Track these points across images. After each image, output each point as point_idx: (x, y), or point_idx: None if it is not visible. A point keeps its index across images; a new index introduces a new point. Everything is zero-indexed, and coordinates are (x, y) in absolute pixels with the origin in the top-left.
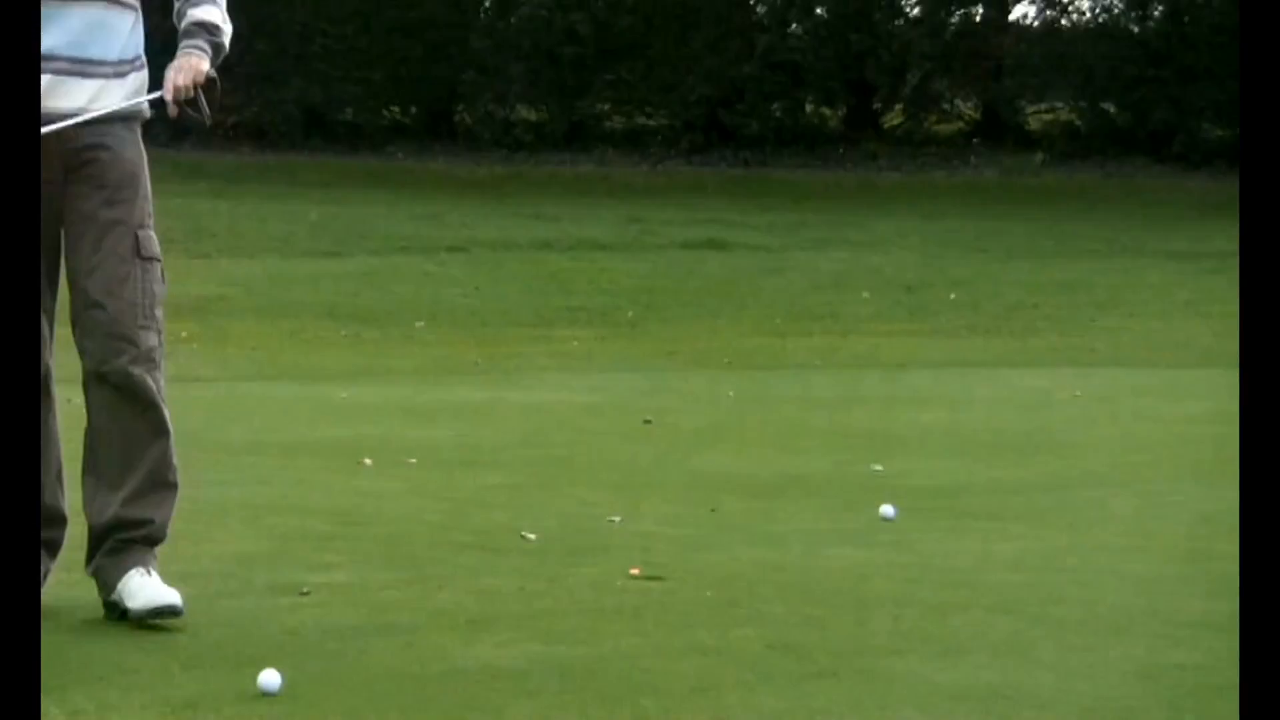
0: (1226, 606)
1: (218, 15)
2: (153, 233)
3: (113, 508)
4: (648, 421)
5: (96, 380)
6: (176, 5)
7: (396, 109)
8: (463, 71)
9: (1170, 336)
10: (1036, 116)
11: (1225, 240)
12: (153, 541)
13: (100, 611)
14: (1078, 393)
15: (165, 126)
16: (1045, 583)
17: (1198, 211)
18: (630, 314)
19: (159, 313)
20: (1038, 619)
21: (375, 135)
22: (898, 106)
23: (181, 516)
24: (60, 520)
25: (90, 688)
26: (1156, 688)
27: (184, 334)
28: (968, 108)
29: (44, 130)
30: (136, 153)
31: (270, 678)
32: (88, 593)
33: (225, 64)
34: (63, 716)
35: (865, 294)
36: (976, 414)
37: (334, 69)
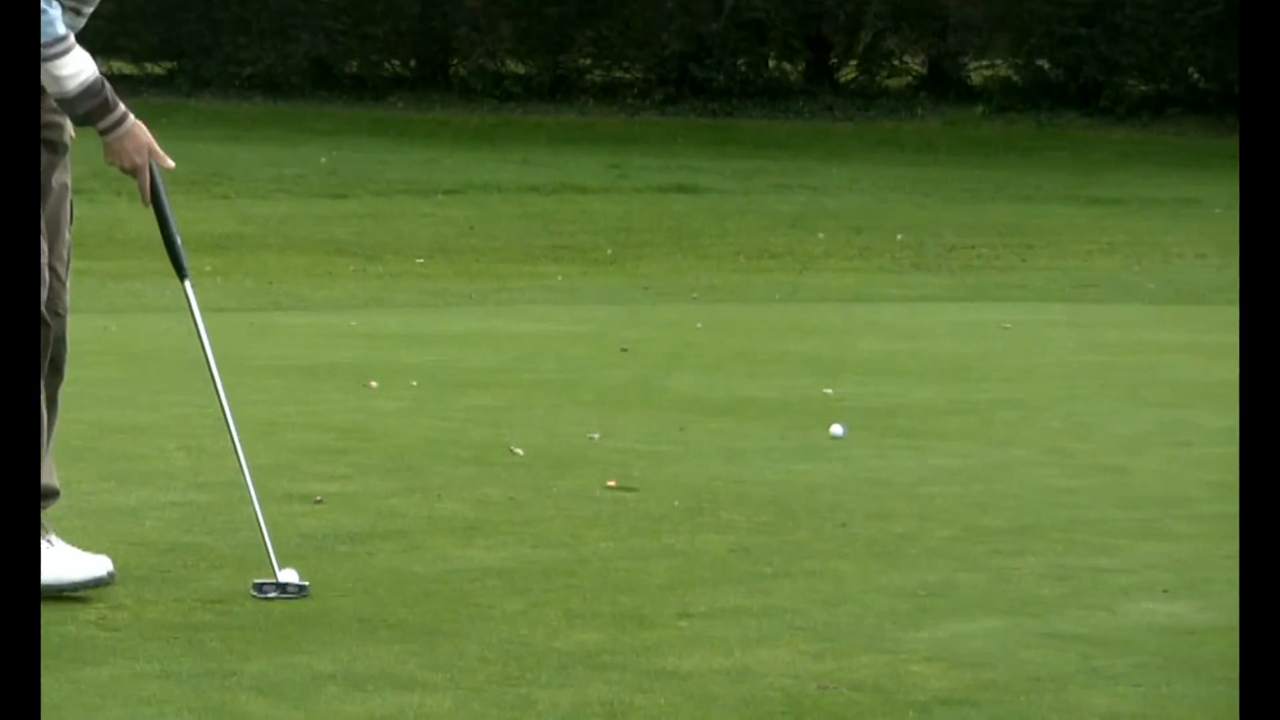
0: (1131, 515)
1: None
2: None
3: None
4: (624, 349)
5: None
6: None
7: (397, 62)
8: (457, 28)
9: (1093, 275)
10: (978, 72)
11: (1145, 188)
12: None
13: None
14: (1008, 325)
15: (188, 77)
16: (974, 496)
17: (1121, 160)
18: (609, 251)
19: None
20: (968, 527)
21: (378, 86)
22: (852, 63)
23: (207, 433)
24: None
25: (129, 586)
26: (1078, 587)
27: (207, 268)
28: (915, 64)
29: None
30: None
31: None
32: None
33: (242, 20)
34: (105, 609)
35: (820, 234)
36: (918, 343)
37: (339, 25)
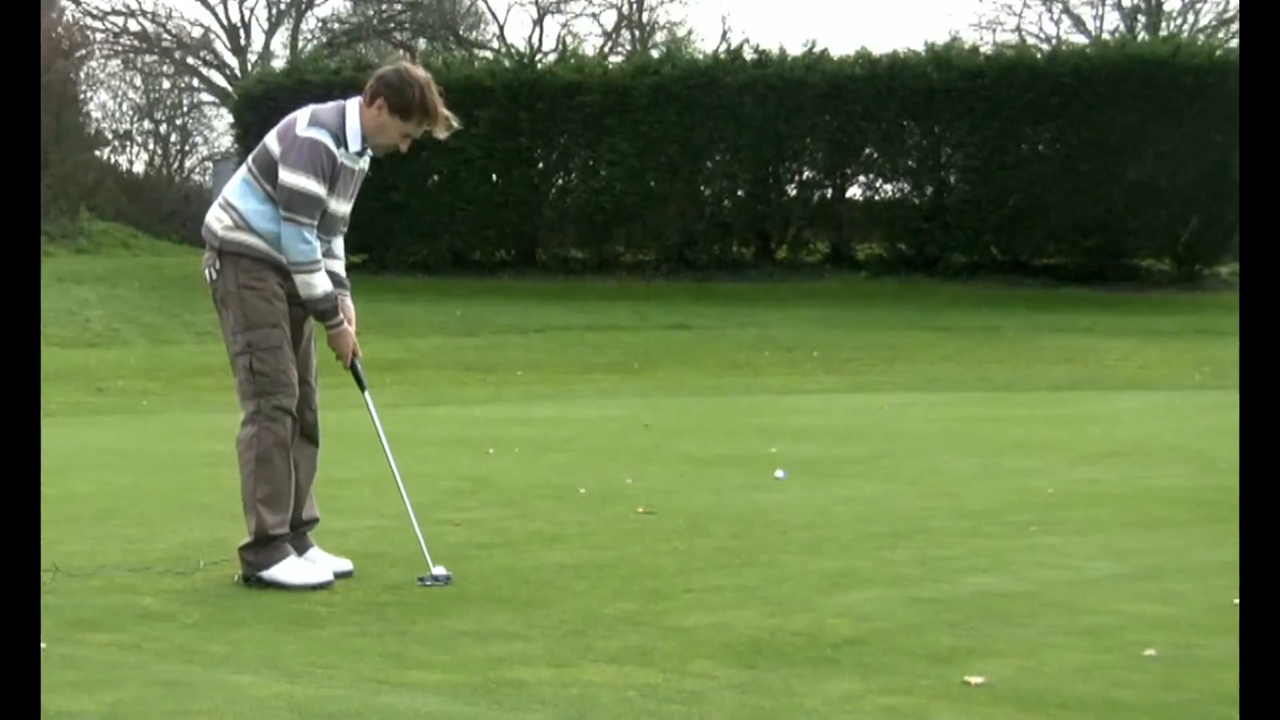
0: (963, 523)
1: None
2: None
3: (308, 509)
4: (646, 425)
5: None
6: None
7: (503, 251)
8: (539, 230)
9: (934, 374)
10: (862, 250)
11: (966, 321)
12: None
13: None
14: (886, 406)
15: (375, 263)
16: (866, 513)
17: (950, 304)
18: (636, 365)
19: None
20: (861, 533)
21: (492, 266)
22: (784, 246)
23: (385, 483)
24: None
25: (340, 579)
26: (931, 569)
27: (387, 379)
28: (823, 247)
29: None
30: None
31: None
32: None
33: (407, 226)
34: (327, 594)
35: (766, 353)
36: (828, 418)
37: (467, 228)
